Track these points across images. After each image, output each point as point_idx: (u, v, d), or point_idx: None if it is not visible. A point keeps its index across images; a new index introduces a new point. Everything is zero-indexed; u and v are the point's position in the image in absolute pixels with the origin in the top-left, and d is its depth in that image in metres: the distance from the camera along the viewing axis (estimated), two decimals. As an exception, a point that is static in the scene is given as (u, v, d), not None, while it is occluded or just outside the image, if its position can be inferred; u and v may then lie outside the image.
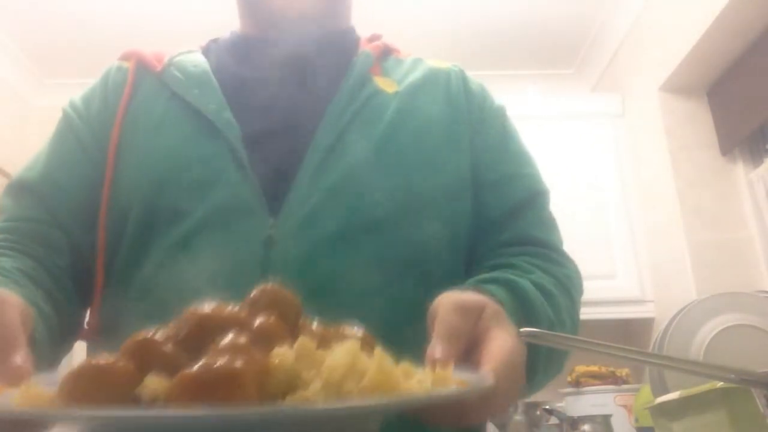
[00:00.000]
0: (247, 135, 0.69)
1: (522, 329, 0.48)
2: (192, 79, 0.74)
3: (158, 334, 0.38)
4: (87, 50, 2.99)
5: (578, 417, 2.03)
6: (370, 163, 0.68)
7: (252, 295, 0.43)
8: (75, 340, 0.69)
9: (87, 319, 0.68)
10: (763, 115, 2.15)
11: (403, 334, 0.52)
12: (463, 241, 0.73)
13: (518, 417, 2.08)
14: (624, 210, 2.65)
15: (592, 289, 2.81)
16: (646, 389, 2.08)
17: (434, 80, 0.79)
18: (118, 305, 0.68)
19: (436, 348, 0.45)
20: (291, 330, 0.40)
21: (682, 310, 1.45)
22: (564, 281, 0.68)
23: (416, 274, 0.67)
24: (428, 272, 0.68)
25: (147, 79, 0.76)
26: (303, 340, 0.36)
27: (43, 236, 0.68)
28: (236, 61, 0.79)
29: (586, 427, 1.97)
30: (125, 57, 0.80)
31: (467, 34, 2.95)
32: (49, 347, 0.59)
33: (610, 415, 2.02)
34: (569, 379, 2.35)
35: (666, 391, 1.30)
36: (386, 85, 0.76)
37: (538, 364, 0.59)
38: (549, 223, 0.76)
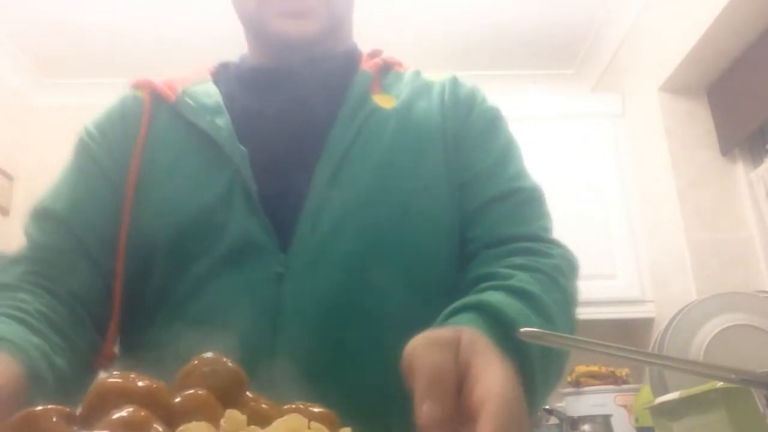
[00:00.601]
0: (255, 164, 0.70)
1: (522, 329, 0.47)
2: (205, 109, 0.75)
3: (54, 407, 0.35)
4: (87, 50, 2.99)
5: (578, 417, 2.03)
6: (372, 191, 0.70)
7: (185, 366, 0.39)
8: (96, 371, 0.70)
9: (103, 347, 0.69)
10: (763, 115, 2.15)
11: None
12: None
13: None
14: (624, 210, 2.65)
15: (592, 289, 2.81)
16: (646, 389, 2.08)
17: (428, 93, 0.80)
18: (135, 337, 0.69)
19: (423, 404, 0.40)
20: (231, 405, 0.36)
21: (682, 310, 1.45)
22: (551, 272, 0.66)
23: (424, 292, 0.69)
24: (435, 287, 0.70)
25: (162, 110, 0.77)
26: (230, 414, 0.33)
27: (69, 266, 0.69)
28: (245, 91, 0.79)
29: (586, 427, 1.97)
30: (139, 86, 0.81)
31: (468, 34, 2.95)
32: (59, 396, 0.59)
33: (610, 415, 2.02)
34: (569, 379, 2.35)
35: (666, 391, 1.30)
36: (385, 102, 0.76)
37: (535, 379, 0.55)
38: (525, 216, 0.74)
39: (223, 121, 0.73)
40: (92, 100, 3.81)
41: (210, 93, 0.77)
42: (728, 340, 1.33)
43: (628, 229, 2.63)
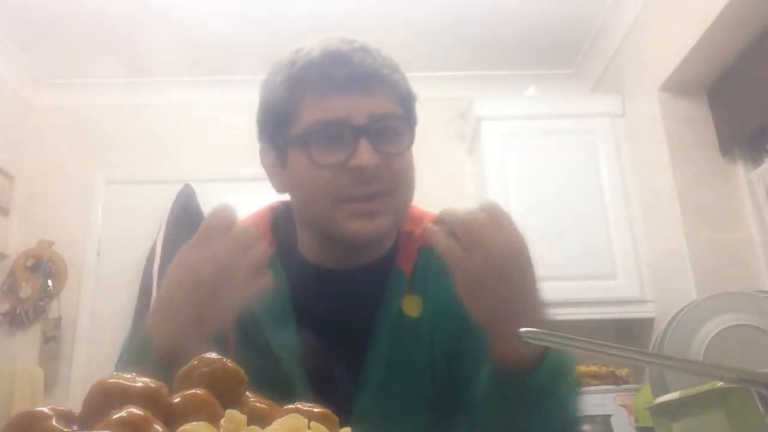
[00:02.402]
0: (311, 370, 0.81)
1: (521, 329, 0.48)
2: (274, 318, 0.83)
3: (53, 407, 0.35)
4: (87, 50, 2.99)
5: (578, 417, 2.02)
6: (414, 396, 0.82)
7: (186, 366, 0.39)
8: None
9: None
10: (763, 115, 2.15)
11: None
12: None
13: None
14: (624, 210, 2.65)
15: (592, 289, 2.79)
16: (646, 389, 2.08)
17: (442, 279, 0.87)
18: None
19: None
20: (231, 405, 0.36)
21: (682, 310, 1.45)
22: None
23: None
24: None
25: None
26: (230, 414, 0.33)
27: None
28: (300, 287, 0.85)
29: (586, 427, 1.97)
30: None
31: (468, 34, 2.94)
32: None
33: (610, 415, 2.02)
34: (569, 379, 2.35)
35: (666, 391, 1.30)
36: (414, 307, 0.85)
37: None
38: None
39: (287, 339, 0.82)
40: (92, 100, 3.78)
41: (280, 290, 0.83)
42: (728, 340, 1.33)
43: (628, 229, 2.63)
